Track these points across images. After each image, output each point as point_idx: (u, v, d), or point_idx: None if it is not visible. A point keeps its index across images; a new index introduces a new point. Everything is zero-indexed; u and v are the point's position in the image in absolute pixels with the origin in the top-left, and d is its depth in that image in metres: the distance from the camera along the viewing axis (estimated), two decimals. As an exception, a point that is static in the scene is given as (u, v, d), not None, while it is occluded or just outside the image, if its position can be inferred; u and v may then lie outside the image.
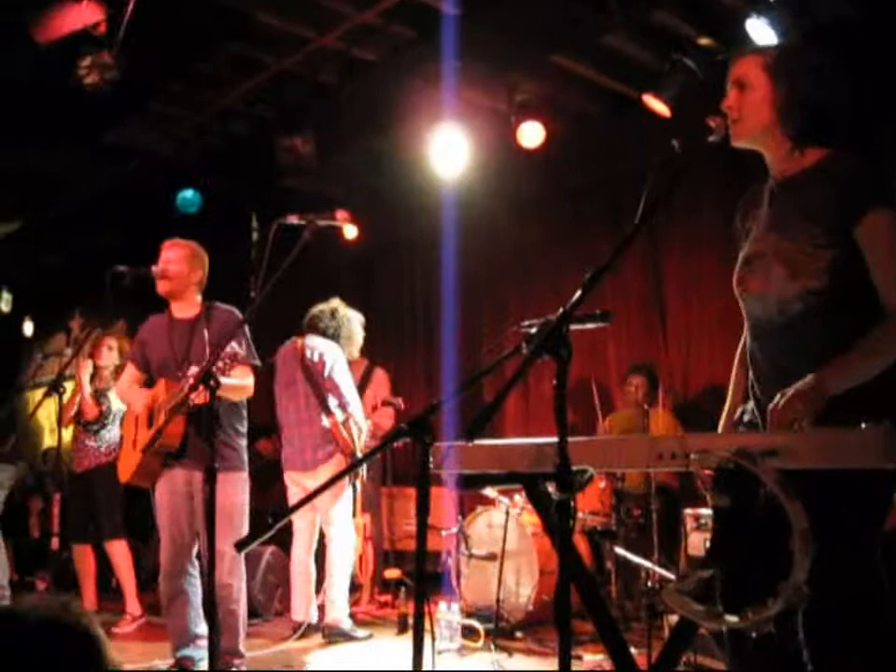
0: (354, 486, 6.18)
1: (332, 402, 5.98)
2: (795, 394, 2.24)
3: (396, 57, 6.66)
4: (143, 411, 4.68)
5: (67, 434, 6.76)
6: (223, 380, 4.05)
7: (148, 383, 4.87)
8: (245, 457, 4.82)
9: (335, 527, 5.99)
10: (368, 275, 9.36)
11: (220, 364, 3.94)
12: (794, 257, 2.45)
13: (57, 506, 6.79)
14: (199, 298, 4.89)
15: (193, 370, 4.33)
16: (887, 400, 2.32)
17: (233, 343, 4.00)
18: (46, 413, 9.70)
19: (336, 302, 6.36)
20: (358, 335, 6.40)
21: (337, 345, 6.15)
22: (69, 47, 5.53)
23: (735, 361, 2.82)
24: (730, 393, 2.82)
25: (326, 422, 5.95)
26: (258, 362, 4.76)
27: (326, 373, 5.99)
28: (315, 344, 6.11)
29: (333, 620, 5.93)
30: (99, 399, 6.80)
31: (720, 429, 2.75)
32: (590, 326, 2.27)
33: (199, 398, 4.13)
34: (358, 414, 6.08)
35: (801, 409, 2.20)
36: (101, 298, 4.47)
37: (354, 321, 6.35)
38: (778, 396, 2.26)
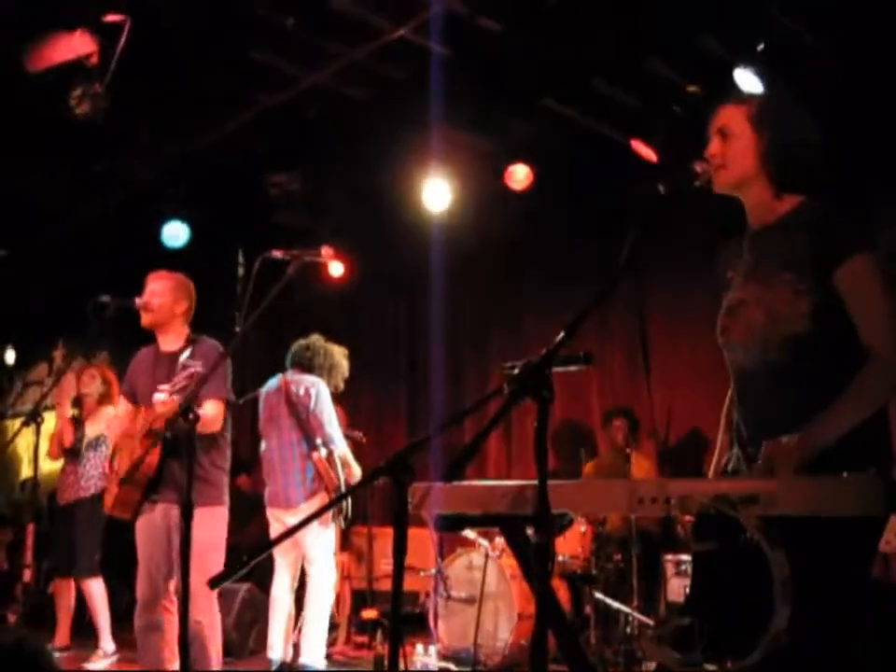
0: (339, 524, 6.10)
1: (318, 439, 5.94)
2: (785, 445, 2.23)
3: (385, 96, 6.70)
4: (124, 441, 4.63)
5: (46, 465, 6.70)
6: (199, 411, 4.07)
7: None
8: (226, 492, 4.77)
9: (316, 566, 5.92)
10: (353, 312, 9.36)
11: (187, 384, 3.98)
12: (774, 305, 2.46)
13: (30, 537, 6.71)
14: (186, 329, 4.86)
15: (158, 397, 4.30)
16: (870, 447, 2.31)
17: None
18: (24, 444, 9.61)
19: (315, 336, 6.33)
20: (342, 367, 6.36)
21: (321, 380, 6.12)
22: (60, 76, 5.55)
23: (723, 413, 2.81)
24: (718, 446, 2.80)
25: (310, 459, 5.90)
26: (230, 397, 4.71)
27: (311, 408, 5.96)
28: (300, 379, 6.07)
29: (308, 660, 5.85)
30: (75, 426, 6.74)
31: (710, 476, 2.74)
32: (572, 368, 2.26)
33: (158, 421, 4.14)
34: (344, 450, 6.03)
35: (787, 462, 2.19)
36: (84, 328, 4.44)
37: (335, 353, 6.32)
38: (765, 447, 2.25)
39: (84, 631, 6.95)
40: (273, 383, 6.17)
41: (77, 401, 6.87)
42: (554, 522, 1.94)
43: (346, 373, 6.40)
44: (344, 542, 7.09)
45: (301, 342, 6.27)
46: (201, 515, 4.43)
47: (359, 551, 7.55)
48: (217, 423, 4.60)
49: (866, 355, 2.38)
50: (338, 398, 6.66)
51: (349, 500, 6.22)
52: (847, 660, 2.22)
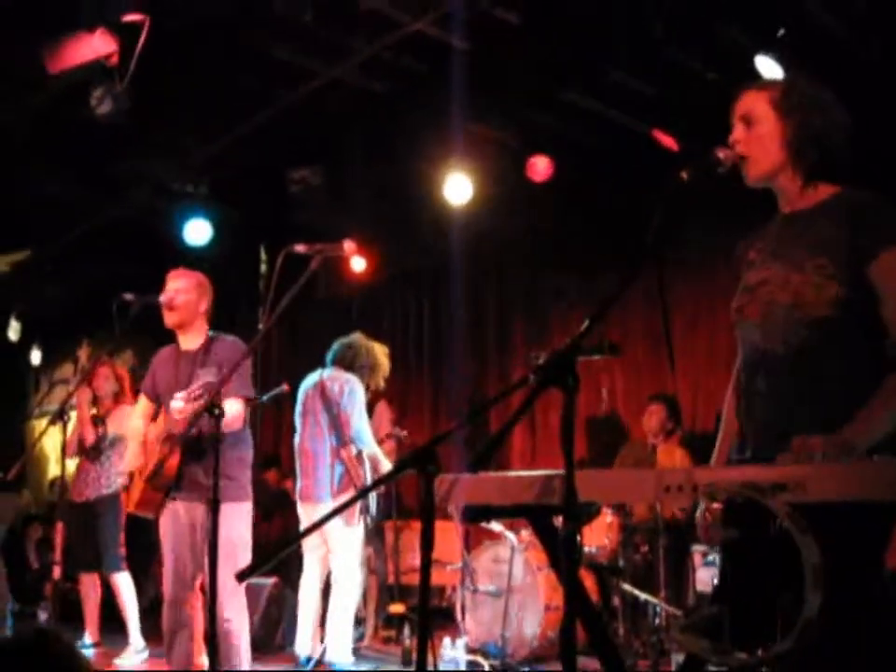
0: (366, 521, 6.09)
1: (348, 436, 5.95)
2: (817, 443, 2.18)
3: (406, 90, 6.69)
4: (151, 443, 4.64)
5: (71, 463, 6.75)
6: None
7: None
8: (249, 488, 4.78)
9: (344, 563, 5.93)
10: (376, 307, 9.37)
11: (197, 395, 4.00)
12: (801, 287, 2.42)
13: (59, 535, 6.76)
14: (206, 327, 4.87)
15: (175, 405, 4.30)
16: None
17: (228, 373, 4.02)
18: (52, 443, 9.69)
19: (357, 335, 6.35)
20: (383, 365, 6.38)
21: (357, 378, 6.13)
22: (81, 76, 5.57)
23: (729, 392, 2.78)
24: (722, 429, 2.77)
25: (341, 454, 5.91)
26: (250, 394, 4.71)
27: (343, 405, 5.97)
28: (336, 376, 6.09)
29: (336, 655, 5.86)
30: (96, 424, 6.79)
31: (712, 462, 2.71)
32: (597, 357, 2.25)
33: (180, 424, 4.15)
34: (373, 449, 6.04)
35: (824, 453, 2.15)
36: (109, 327, 4.46)
37: (377, 352, 6.33)
38: (803, 442, 2.20)
39: (114, 627, 6.99)
40: (311, 379, 6.18)
41: (95, 401, 6.92)
42: (582, 511, 1.94)
43: (387, 372, 6.42)
44: (373, 537, 7.10)
45: (343, 340, 6.29)
46: (225, 512, 4.45)
47: (386, 545, 7.56)
48: (239, 421, 4.60)
49: (894, 348, 2.34)
50: (383, 395, 6.69)
51: (374, 498, 6.24)
52: (879, 647, 2.20)
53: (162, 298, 4.70)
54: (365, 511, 6.00)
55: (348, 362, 6.16)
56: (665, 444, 6.47)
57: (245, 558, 4.59)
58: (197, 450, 4.45)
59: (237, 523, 4.60)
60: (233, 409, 4.47)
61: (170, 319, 4.74)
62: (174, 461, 4.46)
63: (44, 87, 5.79)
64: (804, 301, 2.40)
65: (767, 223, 2.67)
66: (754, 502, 1.89)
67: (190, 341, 4.81)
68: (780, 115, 2.51)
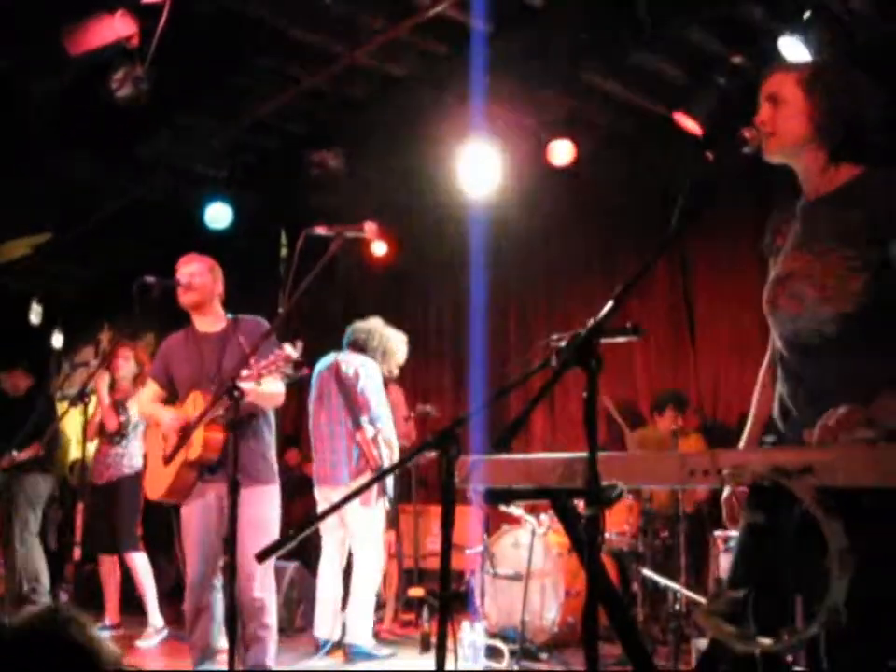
0: (384, 504, 6.09)
1: (363, 418, 5.95)
2: (849, 412, 2.17)
3: (427, 73, 6.66)
4: (176, 426, 4.59)
5: (92, 446, 6.79)
6: (264, 388, 4.10)
7: (171, 399, 4.85)
8: (276, 469, 4.79)
9: (363, 546, 5.94)
10: (397, 291, 9.36)
11: (273, 367, 3.98)
12: (824, 279, 2.39)
13: (80, 517, 6.81)
14: (221, 311, 4.88)
15: (246, 373, 4.07)
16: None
17: (285, 346, 4.00)
18: (73, 425, 9.74)
19: (375, 320, 6.34)
20: (399, 353, 6.37)
21: (374, 362, 6.13)
22: (102, 59, 5.56)
23: (759, 379, 2.76)
24: (753, 410, 2.75)
25: (356, 437, 5.91)
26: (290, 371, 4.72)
27: (359, 388, 5.97)
28: (351, 359, 6.10)
29: (356, 638, 5.88)
30: (118, 410, 6.83)
31: (741, 446, 2.69)
32: (620, 339, 2.22)
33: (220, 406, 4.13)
34: (389, 431, 6.04)
35: (850, 427, 2.13)
36: (130, 310, 4.46)
37: (394, 339, 6.33)
38: (829, 413, 2.19)
39: (134, 609, 7.04)
40: (325, 361, 6.19)
41: (113, 384, 6.94)
42: (605, 494, 1.92)
43: (402, 360, 6.41)
44: (391, 521, 7.10)
45: (360, 324, 6.29)
46: (260, 493, 4.49)
47: (406, 529, 7.57)
48: (282, 397, 4.63)
49: None
50: (396, 378, 6.68)
51: (392, 480, 6.24)
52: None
53: (179, 278, 4.72)
54: (383, 493, 6.00)
55: (361, 344, 6.17)
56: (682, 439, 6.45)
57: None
58: (240, 431, 4.43)
59: (271, 504, 4.64)
60: (276, 387, 4.51)
61: (187, 299, 4.75)
62: (217, 441, 4.45)
63: (66, 68, 5.79)
64: (828, 294, 2.38)
65: (793, 202, 2.63)
66: (780, 486, 1.87)
67: (209, 324, 4.81)
68: (807, 95, 2.47)
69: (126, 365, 6.98)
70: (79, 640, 1.56)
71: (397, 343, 6.34)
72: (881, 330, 2.35)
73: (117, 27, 5.35)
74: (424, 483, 7.99)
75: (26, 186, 7.79)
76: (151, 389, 4.92)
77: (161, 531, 7.45)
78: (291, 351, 4.05)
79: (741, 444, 2.71)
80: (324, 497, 6.00)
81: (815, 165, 2.51)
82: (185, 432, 4.49)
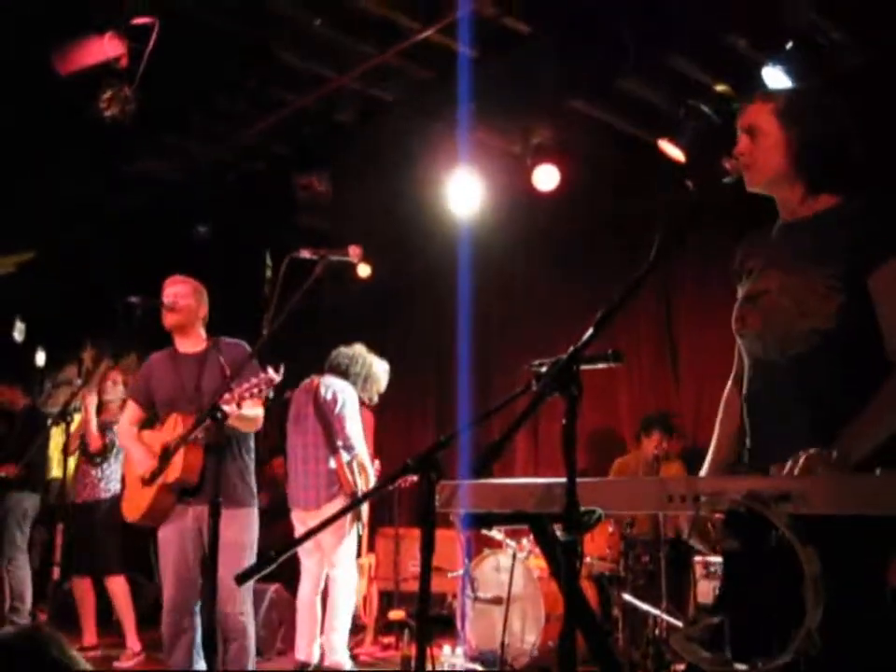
0: (358, 529, 6.07)
1: (339, 442, 5.94)
2: (819, 457, 2.15)
3: (413, 98, 6.70)
4: (146, 472, 4.58)
5: (73, 462, 6.76)
6: (244, 411, 4.13)
7: (151, 420, 4.84)
8: (255, 492, 4.78)
9: (338, 569, 5.93)
10: (381, 314, 9.36)
11: (255, 391, 3.99)
12: (803, 296, 2.40)
13: (60, 536, 6.78)
14: (204, 333, 4.89)
15: (227, 396, 4.11)
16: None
17: (269, 369, 4.01)
18: (53, 444, 9.70)
19: (358, 346, 6.34)
20: (381, 380, 6.35)
21: (352, 387, 6.13)
22: (89, 78, 5.58)
23: (723, 401, 2.78)
24: (715, 436, 2.76)
25: (331, 461, 5.91)
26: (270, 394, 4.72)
27: (336, 412, 5.97)
28: (330, 383, 6.09)
29: (334, 662, 5.86)
30: (104, 432, 6.81)
31: (702, 472, 2.70)
32: (601, 365, 2.24)
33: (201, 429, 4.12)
34: (364, 457, 6.03)
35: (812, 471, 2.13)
36: (113, 329, 4.46)
37: (376, 366, 6.32)
38: (798, 457, 2.18)
39: (111, 629, 6.99)
40: (304, 384, 6.19)
41: (100, 406, 6.92)
42: (583, 519, 1.93)
43: (383, 388, 6.39)
44: (370, 544, 7.09)
45: (344, 348, 6.29)
46: (236, 516, 4.46)
47: (386, 552, 7.55)
48: (261, 420, 4.63)
49: (891, 360, 2.33)
50: (365, 405, 6.66)
51: (366, 506, 6.22)
52: (880, 662, 2.19)
53: (164, 299, 4.72)
54: (357, 519, 6.00)
55: (343, 369, 6.16)
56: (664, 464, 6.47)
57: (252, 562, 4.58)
58: (219, 454, 4.42)
59: (252, 526, 4.62)
60: (256, 411, 4.52)
61: (171, 319, 4.76)
62: (196, 463, 4.45)
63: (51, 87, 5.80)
64: (805, 310, 2.39)
65: (762, 229, 2.66)
66: (756, 513, 1.88)
67: (190, 345, 4.82)
68: (783, 124, 2.50)
69: (115, 389, 6.98)
70: (61, 660, 1.56)
71: (379, 371, 6.33)
72: (850, 354, 2.36)
73: (106, 48, 5.37)
74: (401, 506, 7.96)
75: (10, 203, 7.77)
76: (130, 411, 4.89)
77: (140, 551, 7.40)
78: (274, 375, 4.06)
79: (704, 468, 2.71)
80: (299, 520, 5.99)
81: (794, 196, 2.53)
82: (164, 455, 4.48)
